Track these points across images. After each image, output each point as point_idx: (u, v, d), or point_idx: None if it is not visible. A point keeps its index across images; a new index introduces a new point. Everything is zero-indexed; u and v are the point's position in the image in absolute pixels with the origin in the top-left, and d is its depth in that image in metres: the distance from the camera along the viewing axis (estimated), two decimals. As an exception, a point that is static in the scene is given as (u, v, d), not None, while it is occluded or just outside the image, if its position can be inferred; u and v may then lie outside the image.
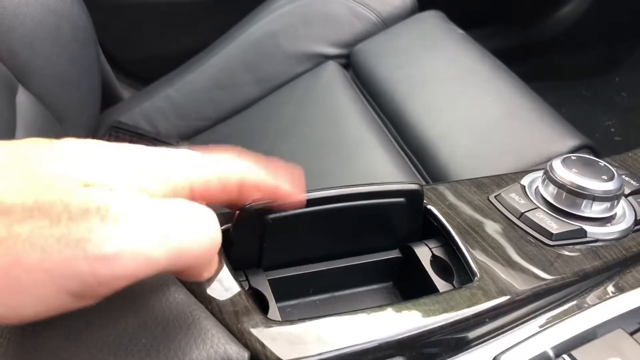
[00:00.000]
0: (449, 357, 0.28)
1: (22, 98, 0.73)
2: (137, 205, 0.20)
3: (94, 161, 0.21)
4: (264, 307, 0.28)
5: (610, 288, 0.31)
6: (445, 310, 0.27)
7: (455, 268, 0.32)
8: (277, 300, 0.29)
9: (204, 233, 0.22)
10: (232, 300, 0.26)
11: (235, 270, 0.28)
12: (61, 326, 0.23)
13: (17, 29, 0.74)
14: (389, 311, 0.27)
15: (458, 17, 0.92)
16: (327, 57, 0.92)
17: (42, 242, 0.19)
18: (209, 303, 0.26)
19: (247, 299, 0.26)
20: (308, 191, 0.31)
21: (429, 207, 0.34)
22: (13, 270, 0.18)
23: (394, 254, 0.33)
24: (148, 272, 0.20)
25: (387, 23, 0.93)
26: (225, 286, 0.27)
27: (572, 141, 0.64)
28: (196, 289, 0.26)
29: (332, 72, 0.89)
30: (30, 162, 0.20)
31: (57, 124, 0.80)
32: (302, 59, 0.92)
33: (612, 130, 1.28)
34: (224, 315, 0.26)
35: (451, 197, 0.35)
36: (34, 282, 0.19)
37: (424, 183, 0.65)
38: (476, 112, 0.70)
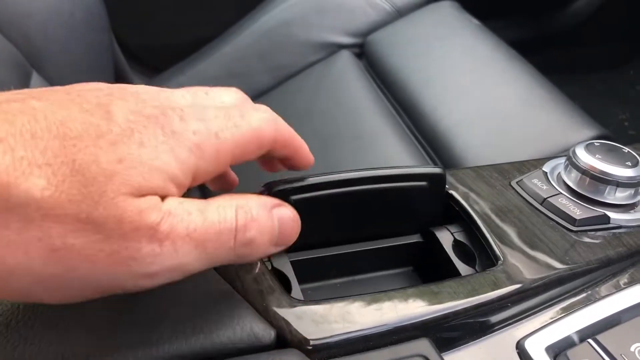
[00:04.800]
0: (473, 340, 0.27)
1: (37, 83, 0.74)
2: (182, 221, 0.21)
3: (142, 154, 0.20)
4: (286, 288, 0.28)
5: (635, 274, 0.31)
6: (469, 293, 0.27)
7: (477, 252, 0.31)
8: (299, 282, 0.29)
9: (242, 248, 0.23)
10: (256, 279, 0.26)
11: None
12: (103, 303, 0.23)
13: (32, 16, 0.74)
14: (414, 293, 0.27)
15: (473, 8, 0.92)
16: (341, 47, 0.91)
17: (94, 256, 0.19)
18: (232, 282, 0.26)
19: (271, 279, 0.26)
20: (331, 173, 0.30)
21: (450, 191, 0.34)
22: (65, 276, 0.20)
23: (415, 238, 0.33)
24: (184, 277, 0.22)
25: (401, 12, 0.92)
26: (248, 265, 0.27)
27: (590, 131, 0.63)
28: (220, 266, 0.26)
29: (346, 62, 0.88)
30: (78, 154, 0.19)
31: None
32: (316, 48, 0.91)
33: (626, 124, 1.27)
34: (248, 294, 0.25)
35: (473, 182, 0.35)
36: (81, 286, 0.20)
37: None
38: (492, 102, 0.70)
